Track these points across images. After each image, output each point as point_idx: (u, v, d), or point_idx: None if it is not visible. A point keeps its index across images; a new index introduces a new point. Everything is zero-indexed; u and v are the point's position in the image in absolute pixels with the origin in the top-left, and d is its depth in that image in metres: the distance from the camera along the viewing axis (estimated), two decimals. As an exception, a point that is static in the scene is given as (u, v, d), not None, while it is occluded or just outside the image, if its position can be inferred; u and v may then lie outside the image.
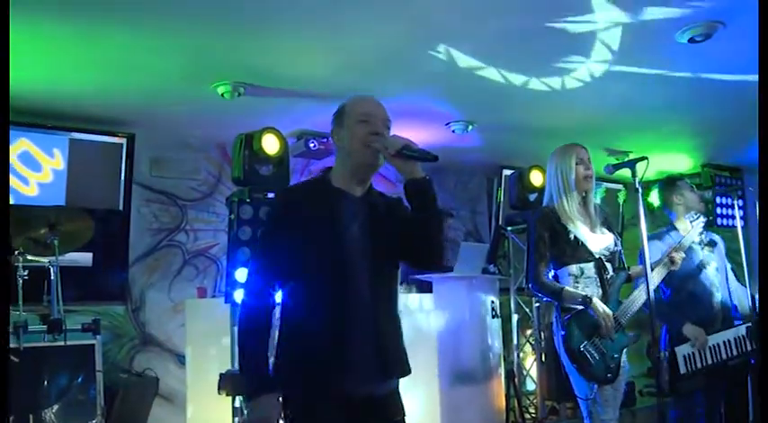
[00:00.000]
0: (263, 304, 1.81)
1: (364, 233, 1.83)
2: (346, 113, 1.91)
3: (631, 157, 4.69)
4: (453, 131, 4.85)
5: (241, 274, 3.46)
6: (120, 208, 4.50)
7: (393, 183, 5.27)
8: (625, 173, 2.59)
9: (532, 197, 5.04)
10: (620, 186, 6.48)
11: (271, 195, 3.64)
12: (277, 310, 1.81)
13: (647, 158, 2.51)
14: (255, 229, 3.64)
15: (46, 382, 3.47)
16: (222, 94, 3.88)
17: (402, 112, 4.28)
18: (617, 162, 2.94)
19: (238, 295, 3.52)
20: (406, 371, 1.88)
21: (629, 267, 2.94)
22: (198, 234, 5.10)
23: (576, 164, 2.83)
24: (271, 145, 3.70)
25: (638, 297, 2.79)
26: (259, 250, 1.86)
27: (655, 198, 3.57)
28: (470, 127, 4.80)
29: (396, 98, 4.08)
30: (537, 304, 5.18)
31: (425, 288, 4.80)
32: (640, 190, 2.49)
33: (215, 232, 5.13)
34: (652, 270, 2.86)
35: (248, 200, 3.60)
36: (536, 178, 4.95)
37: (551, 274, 2.83)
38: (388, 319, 1.84)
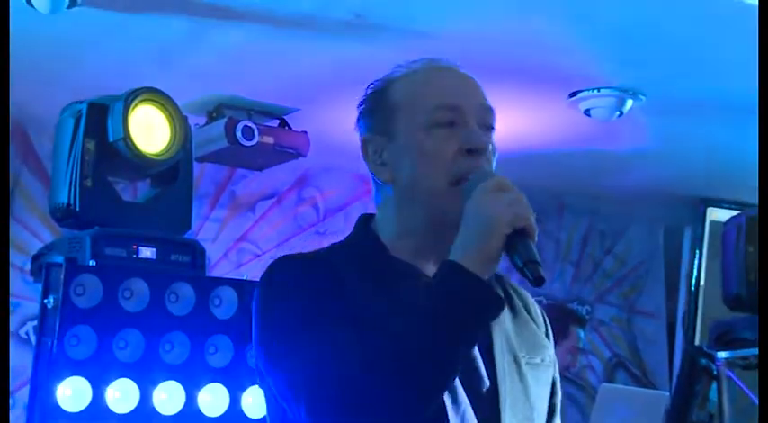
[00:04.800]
0: None
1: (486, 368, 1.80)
2: (399, 103, 1.82)
3: None
4: (587, 113, 4.75)
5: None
6: None
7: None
8: None
9: (783, 281, 4.67)
10: None
11: (147, 252, 3.39)
12: None
13: None
14: (109, 331, 3.18)
15: None
16: (30, 2, 3.77)
17: (478, 69, 3.99)
18: None
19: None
20: None
21: None
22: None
23: None
24: (150, 131, 3.42)
25: None
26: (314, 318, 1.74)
27: None
28: (628, 104, 4.69)
29: (461, 38, 4.01)
30: None
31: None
32: None
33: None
34: None
35: (92, 262, 3.27)
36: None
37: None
38: None
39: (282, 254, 1.94)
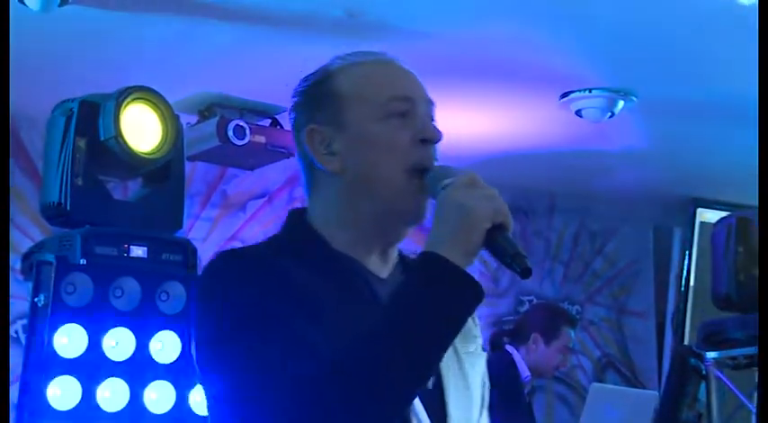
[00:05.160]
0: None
1: None
2: (348, 94, 1.77)
3: None
4: (578, 114, 4.78)
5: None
6: None
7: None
8: None
9: (771, 283, 4.38)
10: None
11: (138, 251, 3.39)
12: None
13: None
14: (99, 329, 3.20)
15: None
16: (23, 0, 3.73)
17: (470, 69, 4.40)
18: None
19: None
20: None
21: None
22: None
23: None
24: (141, 130, 3.39)
25: None
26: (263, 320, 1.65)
27: None
28: (620, 105, 4.72)
29: (453, 38, 4.05)
30: None
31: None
32: None
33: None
34: None
35: (83, 260, 3.23)
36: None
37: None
38: None
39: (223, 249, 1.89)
